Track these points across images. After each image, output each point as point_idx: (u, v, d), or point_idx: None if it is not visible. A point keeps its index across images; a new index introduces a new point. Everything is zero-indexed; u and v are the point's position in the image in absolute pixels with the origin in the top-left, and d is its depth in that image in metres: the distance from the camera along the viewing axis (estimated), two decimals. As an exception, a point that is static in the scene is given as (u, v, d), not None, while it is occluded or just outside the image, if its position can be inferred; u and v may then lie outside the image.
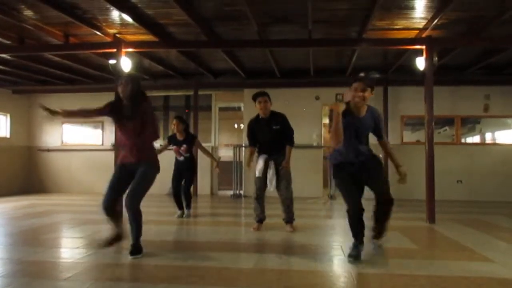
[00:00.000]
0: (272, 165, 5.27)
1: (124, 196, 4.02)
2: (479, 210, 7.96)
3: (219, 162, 6.97)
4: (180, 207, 6.59)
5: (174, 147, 6.54)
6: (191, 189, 6.81)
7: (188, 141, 6.56)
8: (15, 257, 3.98)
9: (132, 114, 3.95)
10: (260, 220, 5.44)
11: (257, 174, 5.31)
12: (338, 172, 4.01)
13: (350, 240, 4.94)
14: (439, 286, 3.12)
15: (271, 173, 5.25)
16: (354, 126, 3.83)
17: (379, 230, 4.00)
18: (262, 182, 5.32)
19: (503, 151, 9.94)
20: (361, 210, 3.83)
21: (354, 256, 3.79)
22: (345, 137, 3.76)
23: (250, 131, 5.49)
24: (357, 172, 3.90)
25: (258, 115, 5.42)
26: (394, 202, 3.84)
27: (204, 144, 6.77)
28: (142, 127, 3.99)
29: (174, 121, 6.60)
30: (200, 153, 7.17)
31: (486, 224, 6.24)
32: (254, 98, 5.38)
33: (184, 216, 6.53)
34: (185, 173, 6.58)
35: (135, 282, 3.28)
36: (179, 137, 6.55)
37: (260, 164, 5.32)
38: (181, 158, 6.54)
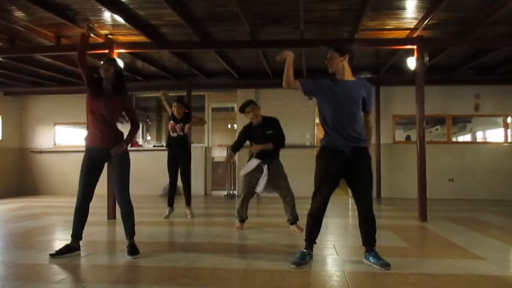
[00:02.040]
0: (265, 169, 5.26)
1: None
2: (470, 208, 8.04)
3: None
4: (171, 204, 6.57)
5: (171, 122, 6.58)
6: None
7: (185, 121, 6.58)
8: (7, 260, 3.96)
9: (110, 94, 4.01)
10: (243, 220, 5.48)
11: (243, 172, 5.36)
12: (325, 157, 3.71)
13: (343, 239, 5.00)
14: (430, 284, 3.15)
15: (261, 176, 5.26)
16: (341, 90, 3.61)
17: (369, 241, 3.69)
18: (250, 185, 5.35)
19: (494, 150, 10.04)
20: (323, 212, 3.70)
21: (297, 264, 3.58)
22: (332, 108, 3.61)
23: (241, 136, 5.55)
24: (346, 165, 3.62)
25: (251, 122, 5.47)
26: (375, 220, 3.66)
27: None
28: (118, 112, 4.08)
29: (175, 104, 6.63)
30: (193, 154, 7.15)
31: (477, 222, 6.30)
32: (241, 111, 5.45)
33: (188, 216, 6.54)
34: (180, 157, 6.54)
35: (129, 283, 3.28)
36: (177, 116, 6.59)
37: (251, 165, 5.30)
38: (174, 134, 6.55)
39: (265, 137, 5.28)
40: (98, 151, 4.04)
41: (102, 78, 4.05)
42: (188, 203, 6.65)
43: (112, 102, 4.02)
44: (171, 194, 6.62)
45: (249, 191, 5.39)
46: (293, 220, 5.29)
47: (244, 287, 3.11)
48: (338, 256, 4.09)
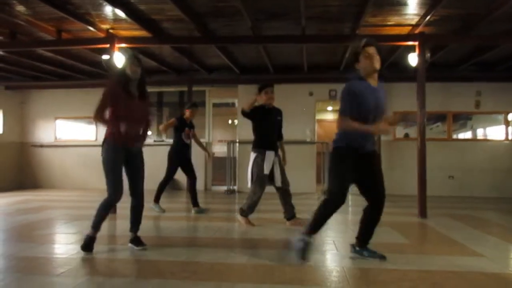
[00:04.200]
0: (277, 161, 5.27)
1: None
2: (470, 205, 8.05)
3: (210, 155, 7.10)
4: (158, 200, 6.55)
5: (186, 129, 6.59)
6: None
7: (193, 128, 6.75)
8: (8, 253, 3.97)
9: (140, 95, 4.04)
10: (247, 215, 5.41)
11: (266, 171, 5.21)
12: (343, 154, 3.50)
13: (343, 235, 5.00)
14: (429, 280, 3.16)
15: (278, 170, 5.26)
16: (374, 98, 3.42)
17: (367, 237, 3.72)
18: (266, 179, 5.27)
19: (494, 147, 10.04)
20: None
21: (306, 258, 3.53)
22: (362, 114, 3.38)
23: (254, 111, 5.31)
24: (362, 165, 3.51)
25: (263, 106, 5.35)
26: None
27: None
28: (147, 113, 4.16)
29: (192, 109, 6.67)
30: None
31: (477, 219, 6.31)
32: (263, 87, 5.29)
33: (201, 212, 6.52)
34: (189, 161, 6.67)
35: (128, 277, 3.29)
36: (188, 122, 6.67)
37: (269, 161, 5.22)
38: (188, 141, 6.62)
39: (276, 122, 5.37)
40: (125, 150, 3.99)
41: (127, 78, 3.96)
42: (197, 204, 6.64)
43: (144, 102, 4.09)
44: (162, 191, 6.56)
45: (265, 185, 5.30)
46: (293, 214, 5.31)
47: (244, 282, 3.11)
48: (338, 252, 4.09)
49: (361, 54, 3.45)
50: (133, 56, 4.11)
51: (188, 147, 6.66)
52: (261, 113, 5.33)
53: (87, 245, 3.91)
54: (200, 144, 7.05)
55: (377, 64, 3.43)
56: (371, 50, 3.43)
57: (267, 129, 5.35)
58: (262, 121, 5.34)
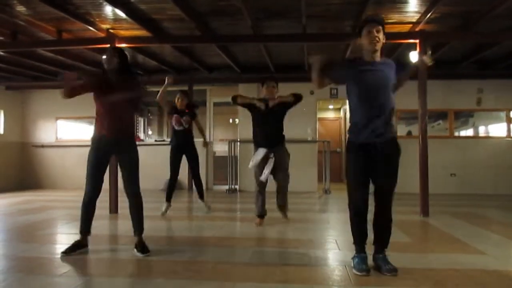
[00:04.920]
0: (271, 159, 5.14)
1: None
2: (472, 203, 8.04)
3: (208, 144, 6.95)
4: (169, 199, 6.35)
5: (175, 115, 6.30)
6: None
7: (190, 115, 6.41)
8: (9, 253, 3.97)
9: (115, 88, 3.84)
10: (261, 215, 5.34)
11: (251, 164, 5.14)
12: (352, 150, 3.38)
13: (344, 234, 4.99)
14: (432, 279, 3.15)
15: (268, 166, 5.13)
16: (371, 73, 3.24)
17: (382, 242, 3.45)
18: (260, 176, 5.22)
19: (496, 144, 10.02)
20: (366, 209, 3.41)
21: (366, 270, 3.22)
22: (360, 96, 3.27)
23: (253, 99, 5.25)
24: (372, 158, 3.30)
25: (263, 98, 5.27)
26: (391, 220, 3.51)
27: (199, 139, 6.72)
28: (126, 102, 3.89)
29: (179, 95, 6.47)
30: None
31: (479, 216, 6.30)
32: (263, 81, 5.24)
33: (207, 211, 6.45)
34: (187, 151, 6.35)
35: (131, 277, 3.29)
36: (180, 107, 6.40)
37: (258, 156, 5.13)
38: (180, 128, 6.30)
39: (272, 116, 5.17)
40: (112, 143, 3.91)
41: (105, 70, 3.91)
42: (202, 197, 6.51)
43: (122, 95, 3.83)
44: (171, 189, 6.35)
45: (261, 183, 5.22)
46: (283, 204, 5.42)
47: (246, 281, 3.11)
48: (340, 250, 4.09)
49: (363, 30, 3.24)
50: (109, 48, 4.11)
51: (181, 135, 6.30)
52: (254, 106, 5.19)
53: (71, 247, 3.81)
54: (201, 130, 6.75)
55: (377, 45, 3.21)
56: (373, 28, 3.19)
57: (259, 124, 5.22)
58: (255, 115, 5.23)
